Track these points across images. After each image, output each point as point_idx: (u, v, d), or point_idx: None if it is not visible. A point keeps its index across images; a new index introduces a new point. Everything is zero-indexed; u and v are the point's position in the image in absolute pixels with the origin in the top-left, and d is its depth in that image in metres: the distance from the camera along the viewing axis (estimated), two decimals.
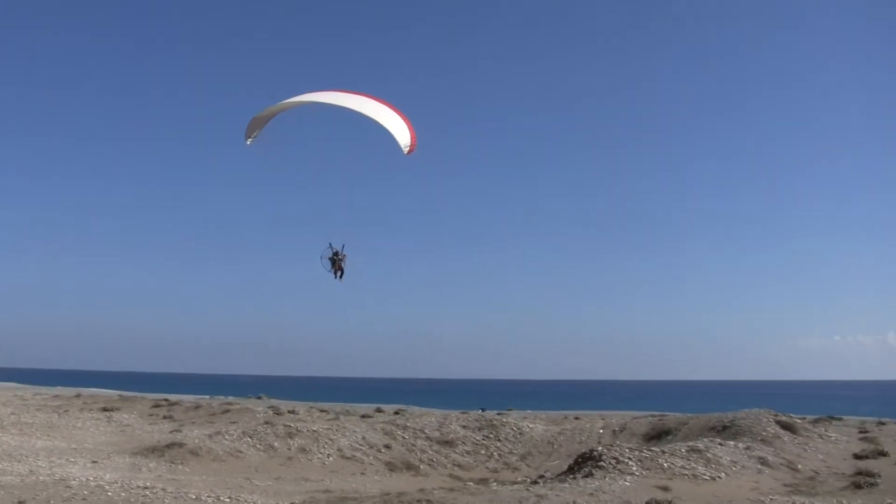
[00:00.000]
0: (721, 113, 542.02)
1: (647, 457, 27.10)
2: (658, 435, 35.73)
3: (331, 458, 32.72)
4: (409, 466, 33.37)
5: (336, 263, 25.82)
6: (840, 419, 45.18)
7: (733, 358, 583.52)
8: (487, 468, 34.58)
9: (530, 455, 36.21)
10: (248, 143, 25.77)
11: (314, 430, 34.89)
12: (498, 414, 46.89)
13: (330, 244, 25.76)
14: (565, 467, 29.57)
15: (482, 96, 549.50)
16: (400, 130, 23.72)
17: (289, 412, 45.64)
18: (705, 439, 30.95)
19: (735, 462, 27.67)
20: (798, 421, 35.04)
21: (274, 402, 57.09)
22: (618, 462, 26.43)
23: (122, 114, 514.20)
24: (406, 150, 23.66)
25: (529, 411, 56.20)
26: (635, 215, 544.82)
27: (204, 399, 58.14)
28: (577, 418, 45.51)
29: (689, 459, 27.27)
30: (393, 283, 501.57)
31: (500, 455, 35.99)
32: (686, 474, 25.92)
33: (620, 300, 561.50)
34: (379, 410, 51.52)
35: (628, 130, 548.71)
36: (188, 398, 60.37)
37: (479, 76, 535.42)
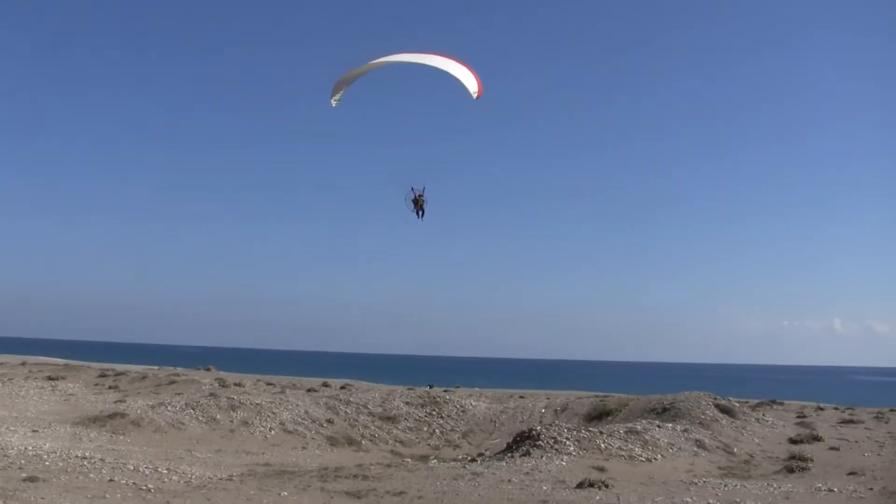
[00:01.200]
0: (685, 87, 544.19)
1: (584, 437, 27.50)
2: (599, 415, 36.20)
3: (273, 432, 32.76)
4: (350, 441, 33.54)
5: (418, 204, 26.71)
6: (781, 403, 45.93)
7: (682, 340, 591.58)
8: (429, 445, 34.83)
9: (472, 433, 36.51)
10: (334, 103, 27.29)
11: (257, 404, 34.89)
12: (444, 391, 47.07)
13: (412, 187, 27.00)
14: (505, 446, 29.92)
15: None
16: (468, 79, 25.42)
17: (235, 384, 45.47)
18: (644, 421, 31.44)
19: (672, 444, 28.13)
20: (736, 405, 35.70)
21: (222, 374, 56.64)
22: (556, 442, 26.81)
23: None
24: (475, 95, 25.27)
25: (476, 388, 56.41)
26: (582, 196, 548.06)
27: (151, 369, 57.56)
28: (521, 397, 45.82)
29: (626, 441, 27.69)
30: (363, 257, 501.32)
31: (442, 432, 36.24)
32: (623, 455, 26.35)
33: (580, 281, 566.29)
34: (325, 384, 51.46)
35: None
36: (136, 368, 59.70)
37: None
